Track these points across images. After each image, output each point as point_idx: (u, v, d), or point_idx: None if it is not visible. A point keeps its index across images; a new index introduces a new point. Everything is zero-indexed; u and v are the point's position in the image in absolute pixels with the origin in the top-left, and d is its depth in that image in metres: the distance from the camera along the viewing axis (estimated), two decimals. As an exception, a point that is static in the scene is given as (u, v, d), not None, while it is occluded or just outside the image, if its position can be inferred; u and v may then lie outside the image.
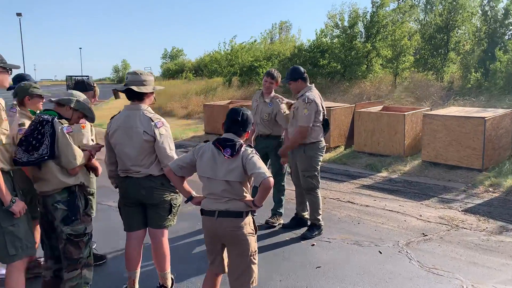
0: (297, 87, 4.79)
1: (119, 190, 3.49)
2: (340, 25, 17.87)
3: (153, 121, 3.25)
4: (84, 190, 3.17)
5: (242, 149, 2.78)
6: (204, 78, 28.42)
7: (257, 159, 2.74)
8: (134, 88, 3.26)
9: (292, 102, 5.10)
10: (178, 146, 11.11)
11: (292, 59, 18.51)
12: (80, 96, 3.22)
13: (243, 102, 12.68)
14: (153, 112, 3.34)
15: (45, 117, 2.99)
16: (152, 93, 3.40)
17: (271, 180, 2.65)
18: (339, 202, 6.18)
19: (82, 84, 4.04)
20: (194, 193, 3.00)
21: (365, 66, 17.21)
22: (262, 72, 20.73)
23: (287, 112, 5.02)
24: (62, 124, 2.99)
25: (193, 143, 11.34)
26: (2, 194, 2.78)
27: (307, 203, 4.98)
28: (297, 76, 4.76)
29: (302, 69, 4.84)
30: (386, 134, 8.44)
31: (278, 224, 5.22)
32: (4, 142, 2.86)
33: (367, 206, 5.97)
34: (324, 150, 4.92)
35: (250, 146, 2.85)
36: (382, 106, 9.77)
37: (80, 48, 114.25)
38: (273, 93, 5.15)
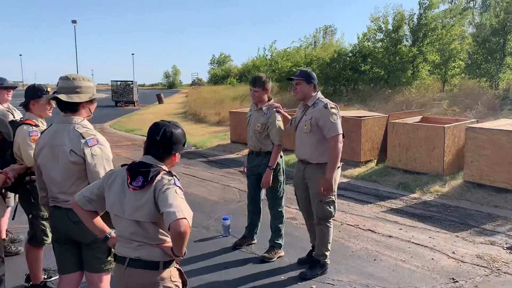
0: (306, 91, 3.98)
1: (49, 222, 2.85)
2: (384, 29, 16.77)
3: (83, 138, 2.58)
4: None
5: (158, 177, 2.07)
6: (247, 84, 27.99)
7: (172, 193, 2.00)
8: (62, 97, 2.61)
9: (289, 117, 4.32)
10: (200, 155, 10.61)
11: (331, 64, 17.56)
12: None
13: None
14: (88, 127, 2.67)
15: None
16: (90, 102, 2.74)
17: (183, 223, 1.88)
18: (357, 230, 5.28)
19: (32, 90, 3.46)
20: (111, 232, 2.29)
21: (411, 71, 15.98)
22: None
23: (282, 126, 4.25)
24: None
25: (216, 152, 10.73)
26: None
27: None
28: (312, 80, 3.98)
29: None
30: (423, 149, 7.40)
31: (278, 258, 4.42)
32: None
33: (389, 236, 5.03)
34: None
35: (171, 174, 2.12)
36: (421, 116, 8.69)
37: (133, 54, 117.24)
38: (272, 102, 4.38)
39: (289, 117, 4.37)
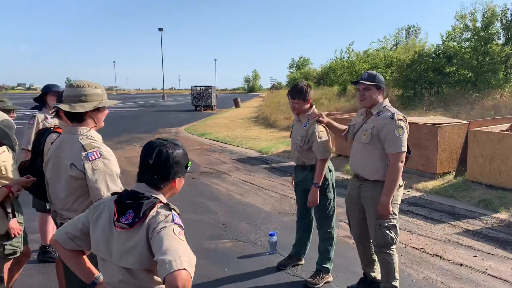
0: (375, 98, 3.42)
1: None
2: (471, 26, 15.29)
3: (85, 151, 2.34)
4: None
5: (152, 212, 1.66)
6: (326, 87, 27.26)
7: (169, 233, 1.57)
8: (64, 107, 2.39)
9: (336, 124, 3.82)
10: (263, 161, 10.32)
11: (411, 65, 16.39)
12: None
13: (347, 114, 11.25)
14: (94, 138, 2.43)
15: None
16: (97, 111, 2.50)
17: (181, 277, 1.44)
18: (422, 254, 4.61)
19: (61, 97, 3.33)
20: (100, 276, 1.88)
21: (503, 73, 14.40)
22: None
23: (324, 138, 3.75)
24: None
25: (281, 159, 10.35)
26: None
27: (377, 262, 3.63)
28: (382, 85, 3.45)
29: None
30: (510, 161, 6.43)
31: (325, 283, 3.94)
32: None
33: (461, 265, 4.32)
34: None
35: (168, 207, 1.69)
36: (510, 124, 7.62)
37: (215, 59, 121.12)
38: (312, 110, 3.91)
39: (336, 124, 3.87)
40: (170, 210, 1.68)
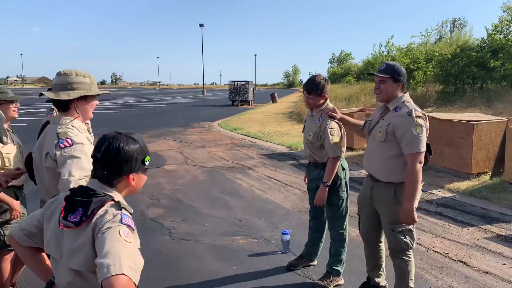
0: (392, 92, 3.16)
1: None
2: (520, 18, 14.37)
3: (58, 139, 2.25)
4: None
5: (100, 211, 1.55)
6: (367, 82, 26.58)
7: (113, 235, 1.47)
8: (50, 94, 2.33)
9: (351, 119, 3.61)
10: (291, 157, 10.11)
11: (453, 60, 15.63)
12: None
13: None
14: (75, 127, 2.34)
15: None
16: (84, 100, 2.43)
17: (118, 282, 1.34)
18: (445, 259, 4.32)
19: None
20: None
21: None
22: (419, 76, 18.21)
23: (336, 135, 3.55)
24: None
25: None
26: None
27: (387, 267, 3.41)
28: (401, 77, 3.15)
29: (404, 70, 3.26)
30: (552, 162, 5.96)
31: (335, 287, 3.76)
32: None
33: (486, 273, 4.01)
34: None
35: (119, 206, 1.59)
36: (554, 122, 7.07)
37: (255, 54, 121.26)
38: (325, 105, 3.71)
39: (350, 119, 3.66)
40: (120, 209, 1.57)
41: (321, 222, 4.02)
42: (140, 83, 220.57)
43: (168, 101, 38.62)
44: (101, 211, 1.55)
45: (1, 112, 2.74)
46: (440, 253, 4.46)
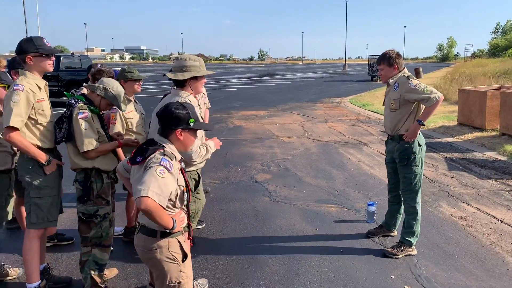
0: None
1: None
2: None
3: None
4: (104, 174, 3.21)
5: (151, 156, 2.19)
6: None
7: (151, 170, 2.10)
8: (170, 75, 3.14)
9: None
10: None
11: None
12: (110, 84, 3.23)
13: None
14: (190, 101, 3.04)
15: (72, 101, 3.17)
16: (195, 79, 3.16)
17: (143, 201, 2.00)
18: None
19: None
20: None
21: None
22: None
23: (423, 85, 3.77)
24: (80, 109, 3.09)
25: (435, 134, 9.80)
26: (36, 154, 2.99)
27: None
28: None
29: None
30: None
31: (406, 256, 3.95)
32: (40, 122, 3.10)
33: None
34: None
35: (163, 153, 2.20)
36: None
37: (405, 26, 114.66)
38: (401, 73, 3.91)
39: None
40: (163, 156, 2.19)
41: (398, 196, 4.21)
42: (286, 58, 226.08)
43: (306, 76, 39.30)
44: (152, 156, 2.19)
45: (121, 87, 3.51)
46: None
